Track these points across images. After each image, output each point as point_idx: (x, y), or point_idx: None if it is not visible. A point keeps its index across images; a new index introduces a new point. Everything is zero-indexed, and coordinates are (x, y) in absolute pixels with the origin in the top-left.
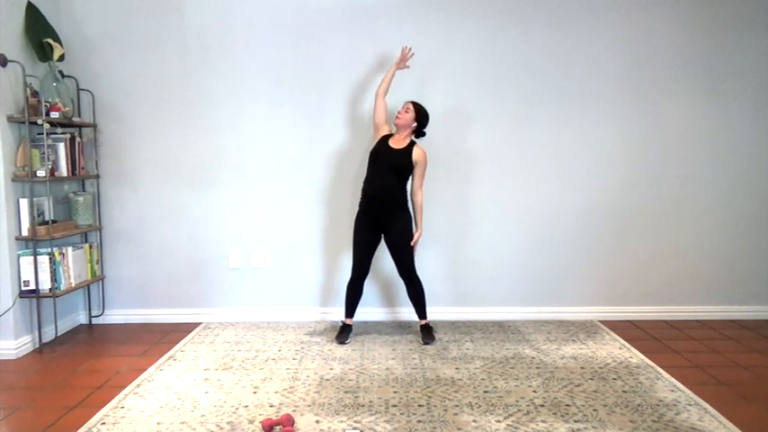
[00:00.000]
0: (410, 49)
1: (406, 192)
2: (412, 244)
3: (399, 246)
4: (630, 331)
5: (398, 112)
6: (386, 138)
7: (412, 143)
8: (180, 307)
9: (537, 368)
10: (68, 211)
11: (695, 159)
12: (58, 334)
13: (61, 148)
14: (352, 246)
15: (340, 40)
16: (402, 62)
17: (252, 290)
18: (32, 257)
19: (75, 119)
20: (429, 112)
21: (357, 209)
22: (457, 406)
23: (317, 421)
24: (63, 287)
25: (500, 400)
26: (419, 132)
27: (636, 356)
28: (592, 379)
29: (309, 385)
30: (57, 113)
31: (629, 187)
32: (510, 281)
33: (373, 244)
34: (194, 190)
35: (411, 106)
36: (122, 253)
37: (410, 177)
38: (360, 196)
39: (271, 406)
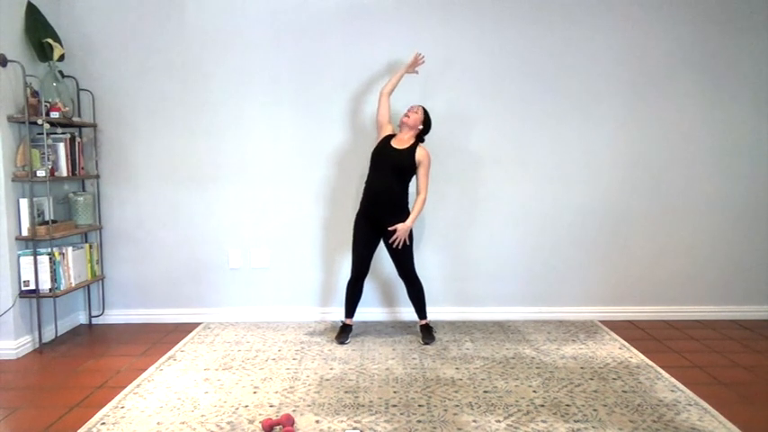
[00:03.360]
0: (422, 57)
1: (407, 194)
2: (397, 234)
3: (399, 248)
4: (630, 331)
5: (408, 112)
6: (388, 138)
7: (415, 144)
8: (180, 307)
9: (537, 368)
10: (68, 211)
11: (695, 159)
12: (58, 334)
13: (61, 148)
14: (352, 246)
15: (340, 40)
16: (412, 66)
17: (252, 290)
18: (32, 257)
19: (75, 119)
20: (430, 112)
21: (357, 209)
22: (457, 406)
23: (317, 421)
24: (63, 287)
25: (500, 400)
26: (420, 138)
27: (636, 356)
28: (592, 379)
29: (309, 385)
30: (57, 113)
31: (629, 187)
32: (510, 281)
33: (373, 244)
34: (194, 190)
35: (420, 109)
36: (122, 253)
37: (413, 178)
38: (360, 196)
39: (271, 406)
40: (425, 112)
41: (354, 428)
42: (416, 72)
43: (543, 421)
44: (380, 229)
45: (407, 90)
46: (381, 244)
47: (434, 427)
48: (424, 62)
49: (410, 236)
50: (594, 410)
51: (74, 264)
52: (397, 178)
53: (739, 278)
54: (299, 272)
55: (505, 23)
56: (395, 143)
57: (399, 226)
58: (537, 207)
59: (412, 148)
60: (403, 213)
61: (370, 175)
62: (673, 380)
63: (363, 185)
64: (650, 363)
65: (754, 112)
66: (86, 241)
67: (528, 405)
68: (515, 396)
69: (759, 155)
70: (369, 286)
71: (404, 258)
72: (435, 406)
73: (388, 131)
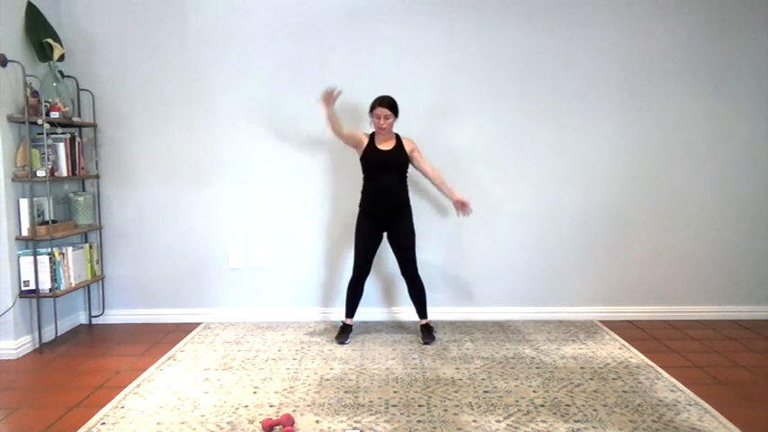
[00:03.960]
0: (336, 89)
1: (408, 188)
2: (467, 204)
3: (404, 245)
4: (630, 331)
5: (378, 123)
6: (371, 143)
7: (398, 138)
8: (180, 307)
9: (537, 368)
10: (68, 211)
11: (695, 159)
12: (58, 334)
13: (61, 148)
14: (354, 246)
15: (340, 40)
16: (328, 102)
17: (252, 290)
18: (32, 257)
19: (75, 119)
20: (430, 111)
21: (358, 209)
22: (457, 406)
23: (317, 421)
24: (63, 287)
25: (500, 400)
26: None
27: (636, 356)
28: (592, 379)
29: (309, 385)
30: (57, 113)
31: (629, 187)
32: (510, 281)
33: (376, 244)
34: (194, 190)
35: (389, 112)
36: (122, 253)
37: (408, 168)
38: (360, 197)
39: (271, 406)
40: (393, 109)
41: (354, 428)
42: (335, 97)
43: (543, 421)
44: (384, 228)
45: (408, 90)
46: (383, 244)
47: (434, 427)
48: (340, 93)
49: (413, 235)
50: (594, 410)
51: (74, 264)
52: (399, 177)
53: (739, 278)
54: (299, 272)
55: (506, 22)
56: (381, 146)
57: (462, 199)
58: (537, 207)
59: (399, 144)
60: (406, 210)
61: (371, 179)
62: (673, 380)
63: (362, 187)
64: (650, 363)
65: (754, 113)
66: (86, 241)
67: (528, 405)
68: (515, 396)
69: (759, 155)
70: (369, 286)
71: (409, 258)
72: (435, 406)
73: (365, 140)
